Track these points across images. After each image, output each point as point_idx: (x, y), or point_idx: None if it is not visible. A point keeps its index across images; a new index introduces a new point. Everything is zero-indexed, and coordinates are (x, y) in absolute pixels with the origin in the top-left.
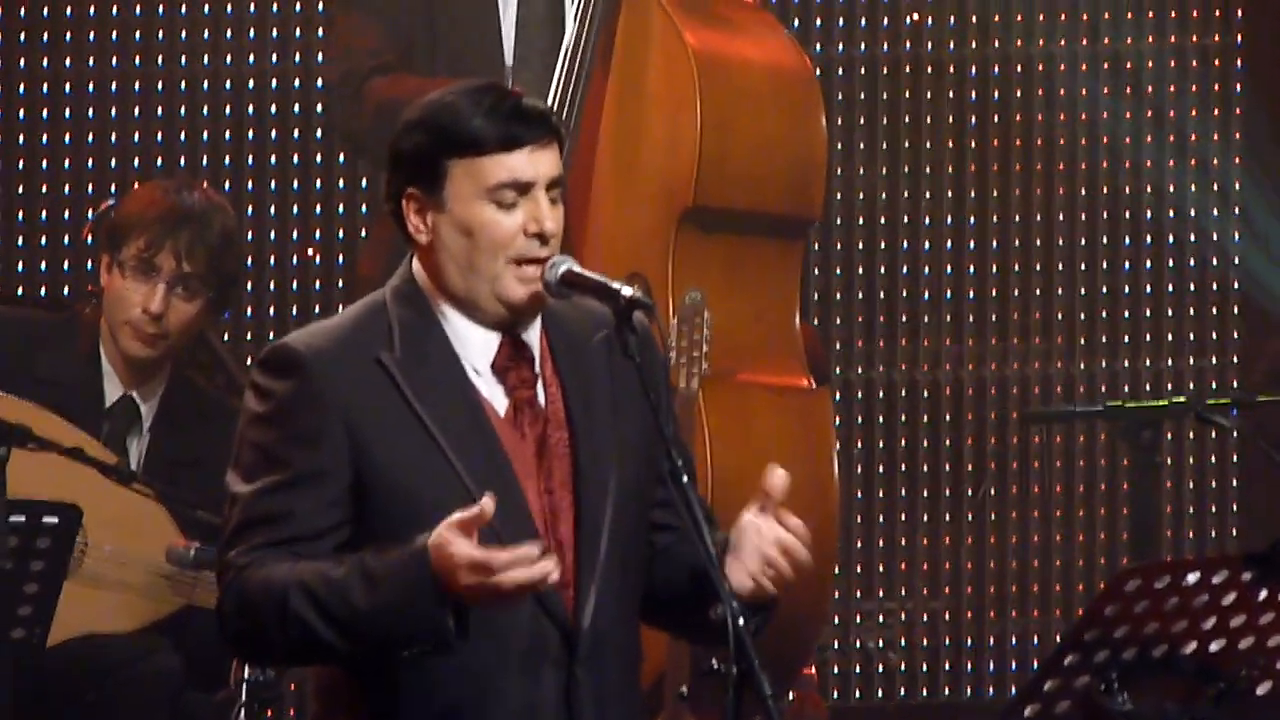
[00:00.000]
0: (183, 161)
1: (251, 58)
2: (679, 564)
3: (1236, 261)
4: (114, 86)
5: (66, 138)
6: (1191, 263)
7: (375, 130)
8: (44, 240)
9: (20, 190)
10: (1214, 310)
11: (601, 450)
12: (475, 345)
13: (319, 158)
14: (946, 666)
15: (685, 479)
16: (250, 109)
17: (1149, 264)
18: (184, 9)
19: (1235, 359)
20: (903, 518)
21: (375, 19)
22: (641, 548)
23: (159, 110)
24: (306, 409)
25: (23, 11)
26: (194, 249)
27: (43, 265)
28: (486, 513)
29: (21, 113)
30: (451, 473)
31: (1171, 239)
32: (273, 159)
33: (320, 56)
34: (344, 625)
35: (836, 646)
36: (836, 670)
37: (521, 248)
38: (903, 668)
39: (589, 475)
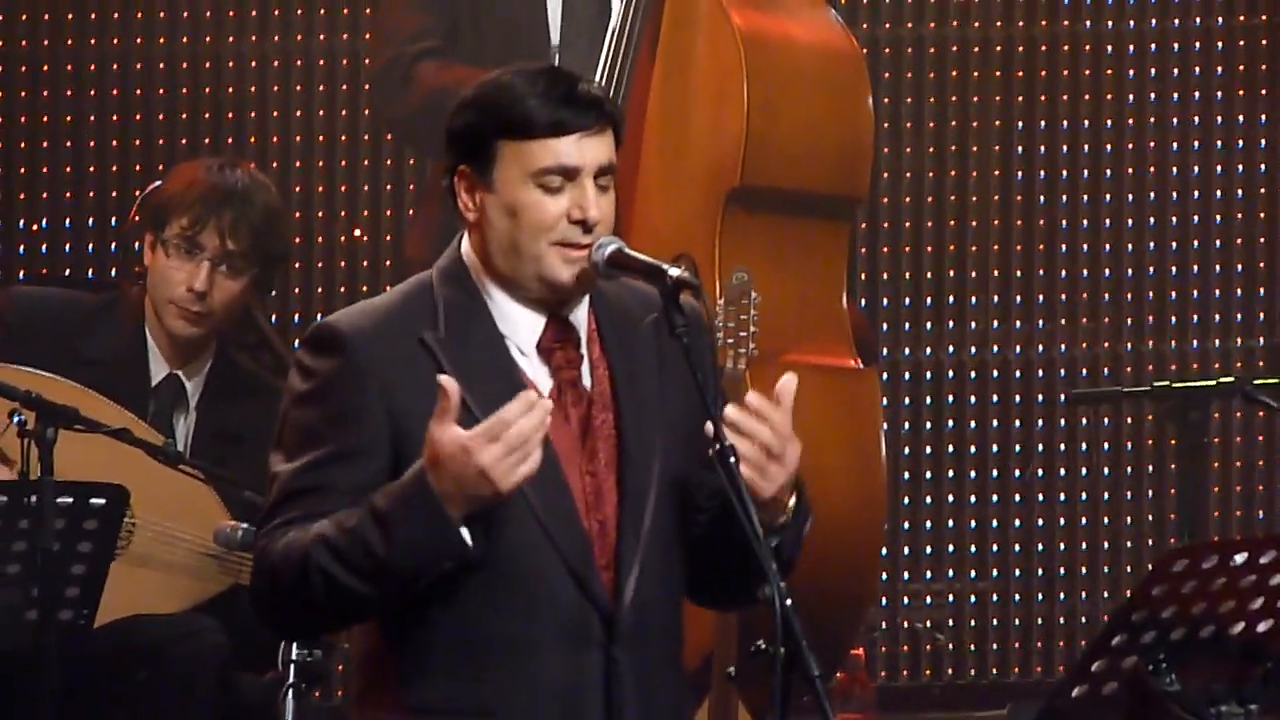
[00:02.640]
0: (230, 140)
1: (299, 36)
2: (720, 536)
3: None
4: (161, 65)
5: (113, 117)
6: (1239, 242)
7: (422, 117)
8: (90, 221)
9: (66, 171)
10: (1261, 290)
11: (647, 432)
12: (521, 325)
13: (366, 137)
14: (994, 647)
15: (732, 459)
16: (297, 87)
17: (1195, 244)
18: None
19: None
20: (950, 499)
21: (419, 1)
22: (684, 530)
23: (206, 89)
24: (348, 388)
25: None
26: (238, 227)
27: (89, 247)
28: (451, 392)
29: (68, 92)
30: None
31: (1218, 219)
32: (320, 138)
33: (367, 35)
34: (366, 571)
35: (884, 627)
36: (884, 650)
37: (564, 232)
38: (950, 648)
39: (634, 457)
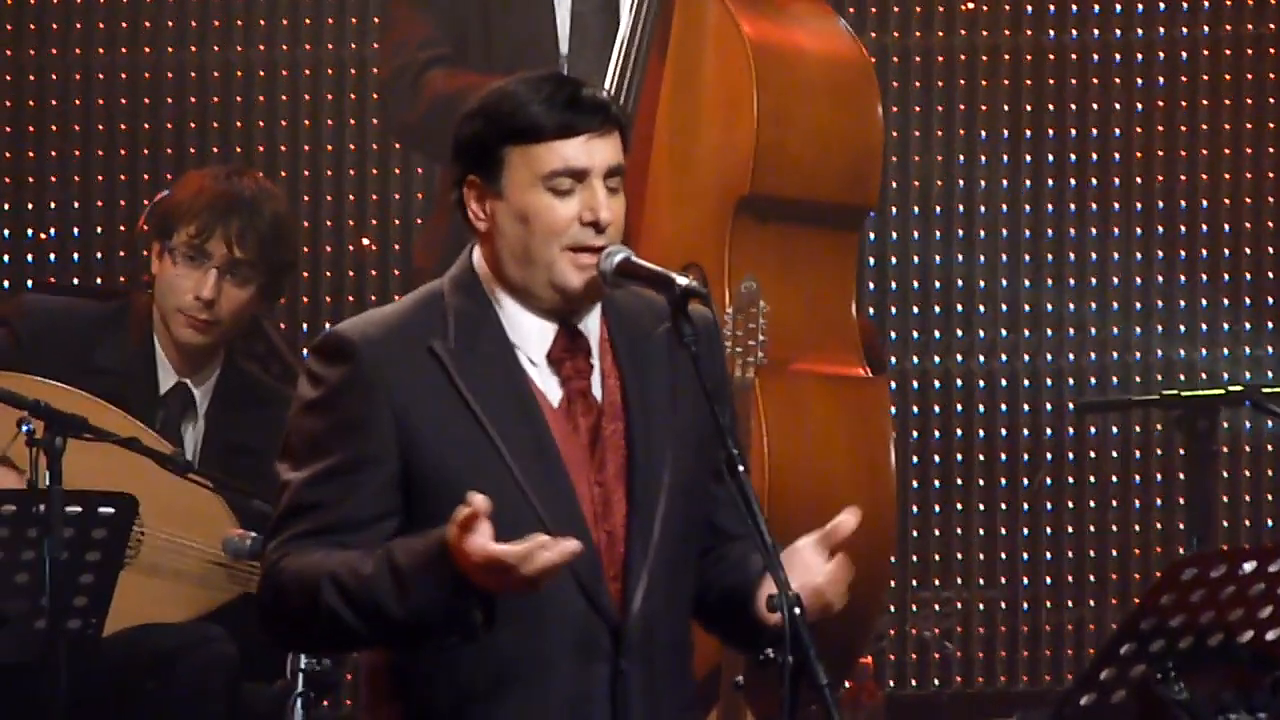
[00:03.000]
0: (238, 149)
1: (307, 45)
2: (732, 567)
3: None
4: (169, 74)
5: (122, 125)
6: (1247, 251)
7: (430, 123)
8: (99, 230)
9: (75, 180)
10: (1270, 299)
11: (657, 442)
12: (531, 335)
13: (375, 146)
14: (1002, 655)
15: (741, 469)
16: (306, 96)
17: (1204, 253)
18: None
19: None
20: (959, 507)
21: (428, 10)
22: (695, 542)
23: (214, 99)
24: (356, 396)
25: (79, 1)
26: (245, 235)
27: (98, 256)
28: (478, 508)
29: (76, 101)
30: (500, 463)
31: (1227, 228)
32: (328, 147)
33: (375, 44)
34: (374, 622)
35: (893, 635)
36: (893, 659)
37: (576, 235)
38: (959, 656)
39: (643, 467)
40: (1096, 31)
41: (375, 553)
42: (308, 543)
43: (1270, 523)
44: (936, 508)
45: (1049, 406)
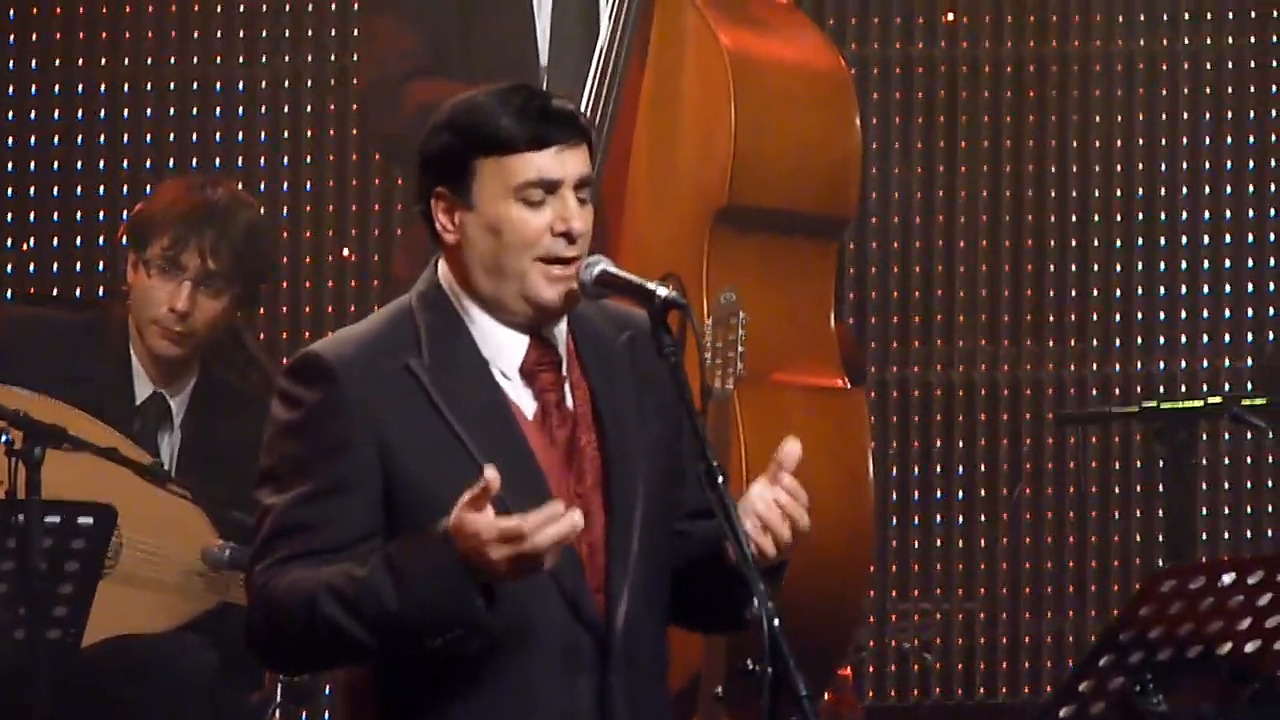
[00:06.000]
0: (218, 161)
1: (286, 57)
2: (698, 555)
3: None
4: (149, 85)
5: (101, 137)
6: (1227, 264)
7: (411, 134)
8: (79, 240)
9: (55, 191)
10: (1249, 311)
11: (630, 452)
12: (503, 348)
13: (354, 157)
14: (982, 667)
15: (720, 480)
16: (285, 107)
17: (1184, 265)
18: (219, 8)
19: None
20: (938, 518)
21: (408, 22)
22: (668, 552)
23: (194, 109)
24: (335, 418)
25: (58, 12)
26: (219, 246)
27: (77, 267)
28: (492, 484)
29: (56, 112)
30: (481, 478)
31: (1206, 240)
32: (307, 157)
33: (355, 55)
34: (376, 623)
35: (872, 647)
36: (872, 671)
37: (548, 246)
38: (938, 668)
39: (618, 477)
40: (1077, 42)
41: (371, 556)
42: (294, 565)
43: (1249, 535)
44: (915, 519)
45: (1028, 418)
